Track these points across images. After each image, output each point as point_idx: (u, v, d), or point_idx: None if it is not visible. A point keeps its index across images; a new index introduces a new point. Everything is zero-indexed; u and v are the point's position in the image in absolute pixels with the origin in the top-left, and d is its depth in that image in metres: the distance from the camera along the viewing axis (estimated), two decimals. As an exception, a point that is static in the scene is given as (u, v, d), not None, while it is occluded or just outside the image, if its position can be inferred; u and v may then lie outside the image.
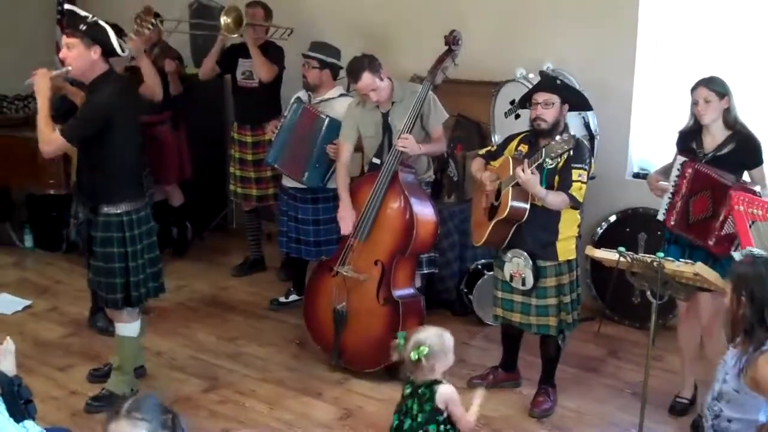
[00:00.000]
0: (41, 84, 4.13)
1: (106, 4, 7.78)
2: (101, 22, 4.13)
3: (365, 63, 4.74)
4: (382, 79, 4.77)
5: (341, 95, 5.40)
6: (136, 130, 4.42)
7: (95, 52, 4.10)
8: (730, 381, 3.04)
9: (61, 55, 4.14)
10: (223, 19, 6.00)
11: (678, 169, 4.19)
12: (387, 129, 4.87)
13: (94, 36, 4.09)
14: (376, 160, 4.90)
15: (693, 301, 4.25)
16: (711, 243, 4.03)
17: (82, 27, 4.07)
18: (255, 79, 6.13)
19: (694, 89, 4.18)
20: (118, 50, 4.18)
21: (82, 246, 4.57)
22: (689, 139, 4.27)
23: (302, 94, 5.51)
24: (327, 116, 5.20)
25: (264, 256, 6.70)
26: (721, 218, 3.99)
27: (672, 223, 4.21)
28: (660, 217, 4.31)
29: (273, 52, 6.03)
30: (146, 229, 4.40)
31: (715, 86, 4.12)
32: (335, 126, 5.15)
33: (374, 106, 4.89)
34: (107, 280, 4.34)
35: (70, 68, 4.11)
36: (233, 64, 6.24)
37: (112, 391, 4.51)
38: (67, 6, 4.25)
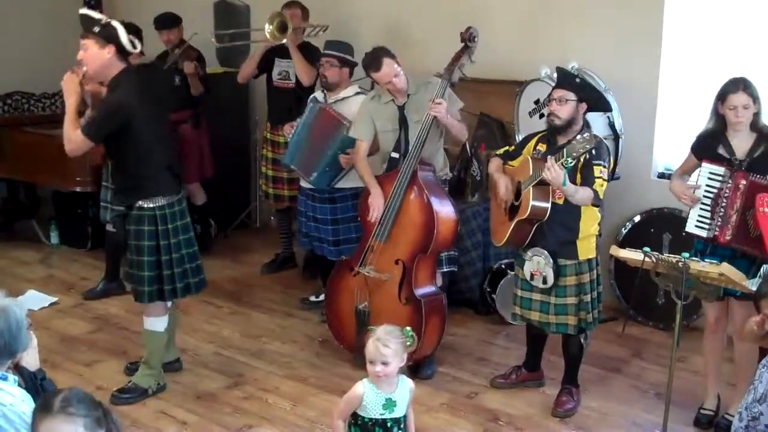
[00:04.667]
0: (69, 85, 4.27)
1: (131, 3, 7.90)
2: (114, 23, 4.24)
3: (382, 51, 4.77)
4: (399, 65, 4.78)
5: (357, 93, 5.38)
6: (162, 123, 4.51)
7: (109, 52, 4.19)
8: None
9: (78, 56, 4.26)
10: (267, 27, 5.95)
11: (711, 179, 4.04)
12: (403, 122, 4.86)
13: (108, 36, 4.19)
14: (395, 155, 4.90)
15: (721, 313, 4.22)
16: None
17: (96, 29, 4.18)
18: (291, 80, 6.15)
19: (730, 94, 3.99)
20: (129, 47, 4.25)
21: (121, 239, 4.67)
22: (713, 144, 4.11)
23: (318, 94, 5.52)
24: (350, 123, 5.14)
25: (294, 254, 6.72)
26: None
27: (728, 238, 4.00)
28: (691, 229, 4.15)
29: (310, 53, 6.00)
30: (182, 224, 4.46)
31: (752, 91, 3.98)
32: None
33: (390, 100, 4.89)
34: (137, 272, 4.42)
35: (85, 68, 4.24)
36: (270, 64, 6.25)
37: (138, 385, 4.57)
38: (81, 10, 4.36)
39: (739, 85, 4.02)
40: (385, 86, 4.85)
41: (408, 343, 3.39)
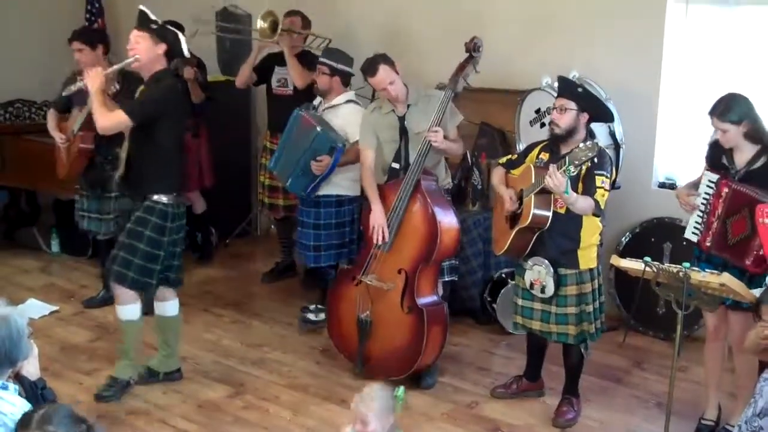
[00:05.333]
0: (94, 79, 4.40)
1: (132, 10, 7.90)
2: (170, 27, 4.56)
3: (380, 58, 4.82)
4: (397, 73, 4.81)
5: (348, 101, 5.41)
6: (184, 129, 4.79)
7: (161, 49, 4.42)
8: None
9: (129, 46, 4.45)
10: (259, 23, 6.05)
11: (709, 186, 4.08)
12: (404, 132, 4.88)
13: (162, 35, 4.44)
14: (395, 165, 4.91)
15: (721, 321, 4.22)
16: (749, 263, 3.87)
17: (153, 26, 4.44)
18: (289, 87, 6.18)
19: (710, 118, 4.01)
20: (186, 52, 4.54)
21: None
22: (719, 153, 4.13)
23: (316, 101, 5.55)
24: (321, 129, 5.17)
25: (295, 262, 6.71)
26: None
27: (708, 244, 4.07)
28: (688, 235, 4.20)
29: (309, 61, 6.01)
30: (178, 225, 4.56)
31: (729, 117, 3.95)
32: (324, 140, 5.15)
33: (390, 110, 4.90)
34: (125, 255, 4.46)
35: (138, 57, 4.41)
36: (269, 73, 6.28)
37: (116, 377, 4.64)
38: (141, 7, 4.59)
39: (715, 110, 4.00)
40: (380, 92, 4.89)
41: (399, 403, 3.39)
